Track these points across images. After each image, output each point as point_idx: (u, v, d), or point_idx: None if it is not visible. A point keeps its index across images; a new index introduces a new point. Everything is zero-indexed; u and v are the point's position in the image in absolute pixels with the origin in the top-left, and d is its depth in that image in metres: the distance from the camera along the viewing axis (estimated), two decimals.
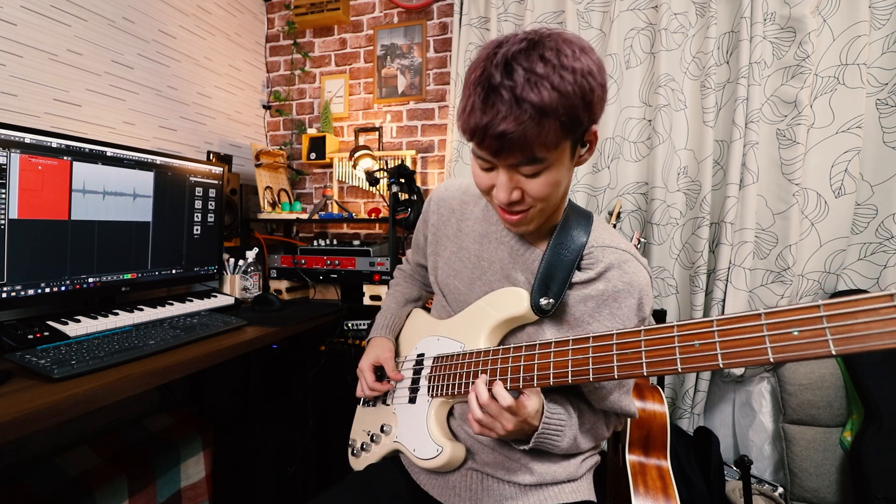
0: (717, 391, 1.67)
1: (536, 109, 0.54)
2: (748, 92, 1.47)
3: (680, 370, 0.49)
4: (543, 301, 0.68)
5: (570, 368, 0.59)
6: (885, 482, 1.26)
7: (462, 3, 1.86)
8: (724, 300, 1.54)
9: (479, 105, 0.57)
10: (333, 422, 1.75)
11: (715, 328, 0.48)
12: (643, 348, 0.52)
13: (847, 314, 0.40)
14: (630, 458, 1.28)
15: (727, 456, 1.63)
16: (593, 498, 0.78)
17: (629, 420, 1.30)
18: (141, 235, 1.34)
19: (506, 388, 0.64)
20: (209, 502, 1.52)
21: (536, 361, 0.62)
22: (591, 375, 0.56)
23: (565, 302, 0.70)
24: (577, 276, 0.70)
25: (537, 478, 0.73)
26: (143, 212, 1.34)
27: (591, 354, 0.57)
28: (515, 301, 0.71)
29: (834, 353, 0.40)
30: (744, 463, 1.27)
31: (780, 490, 1.49)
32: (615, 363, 0.54)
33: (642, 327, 0.54)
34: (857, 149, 1.40)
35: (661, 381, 1.54)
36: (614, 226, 1.60)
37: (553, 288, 0.69)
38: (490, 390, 0.64)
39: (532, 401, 0.65)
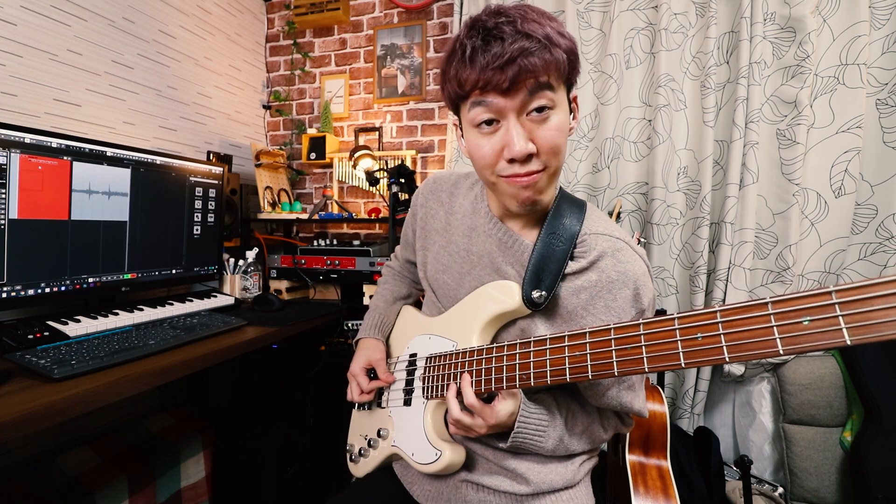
0: (717, 391, 1.67)
1: (543, 37, 0.55)
2: (748, 92, 1.47)
3: (683, 365, 0.45)
4: (535, 294, 0.65)
5: (567, 366, 0.56)
6: (885, 482, 1.26)
7: (462, 3, 1.86)
8: (724, 300, 1.54)
9: (480, 46, 0.56)
10: (333, 422, 1.75)
11: (719, 319, 0.44)
12: (643, 343, 0.49)
13: (862, 300, 0.37)
14: (630, 458, 1.28)
15: (727, 456, 1.63)
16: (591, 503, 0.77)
17: None
18: (122, 234, 1.31)
19: (502, 387, 0.63)
20: (209, 502, 1.52)
21: (532, 360, 0.59)
22: (589, 373, 0.53)
23: (558, 294, 0.66)
24: (570, 267, 0.66)
25: (533, 487, 0.71)
26: (125, 211, 1.32)
27: (588, 351, 0.54)
28: (506, 295, 0.68)
29: (850, 343, 0.37)
30: (744, 463, 1.27)
31: (780, 490, 1.49)
32: (615, 359, 0.51)
33: (641, 320, 0.51)
34: (858, 149, 1.40)
35: (660, 381, 1.54)
36: None
37: (545, 280, 0.65)
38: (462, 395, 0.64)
39: (505, 404, 0.64)
